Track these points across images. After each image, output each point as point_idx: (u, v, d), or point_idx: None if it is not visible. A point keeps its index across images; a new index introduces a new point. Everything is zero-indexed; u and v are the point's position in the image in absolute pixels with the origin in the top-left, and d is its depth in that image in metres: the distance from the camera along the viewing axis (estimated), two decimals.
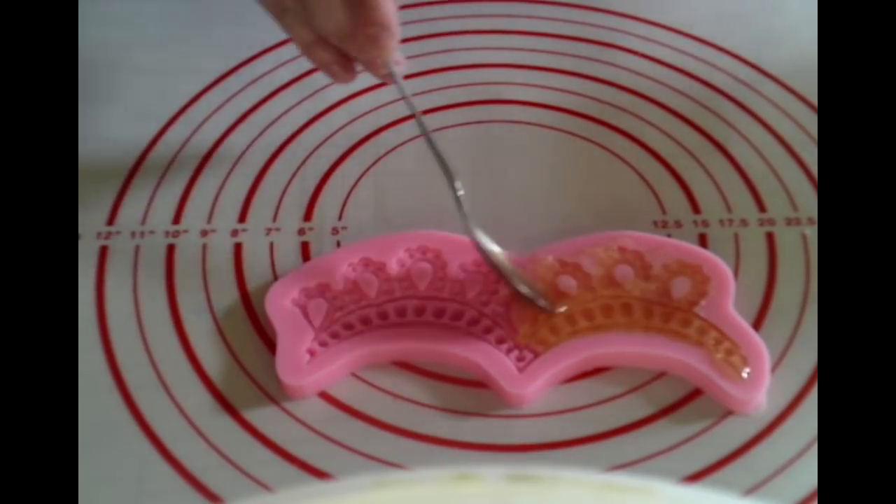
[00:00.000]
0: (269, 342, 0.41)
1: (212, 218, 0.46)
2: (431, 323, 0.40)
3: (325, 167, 0.48)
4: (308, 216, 0.46)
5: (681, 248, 0.42)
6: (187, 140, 0.49)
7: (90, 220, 0.46)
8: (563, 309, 0.40)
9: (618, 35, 0.54)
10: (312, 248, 0.45)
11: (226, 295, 0.43)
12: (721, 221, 0.45)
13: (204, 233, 0.45)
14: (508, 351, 0.39)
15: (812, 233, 0.44)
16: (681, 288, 0.40)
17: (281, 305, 0.41)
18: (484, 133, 0.50)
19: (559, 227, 0.44)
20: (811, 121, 0.49)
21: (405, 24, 0.56)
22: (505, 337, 0.40)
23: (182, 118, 0.51)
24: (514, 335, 0.39)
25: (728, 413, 0.38)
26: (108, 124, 0.50)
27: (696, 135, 0.49)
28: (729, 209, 0.45)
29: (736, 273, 0.42)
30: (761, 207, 0.45)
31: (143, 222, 0.46)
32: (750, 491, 0.36)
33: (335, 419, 0.38)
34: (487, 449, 0.37)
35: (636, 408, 0.38)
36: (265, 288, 0.42)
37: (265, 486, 0.36)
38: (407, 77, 0.52)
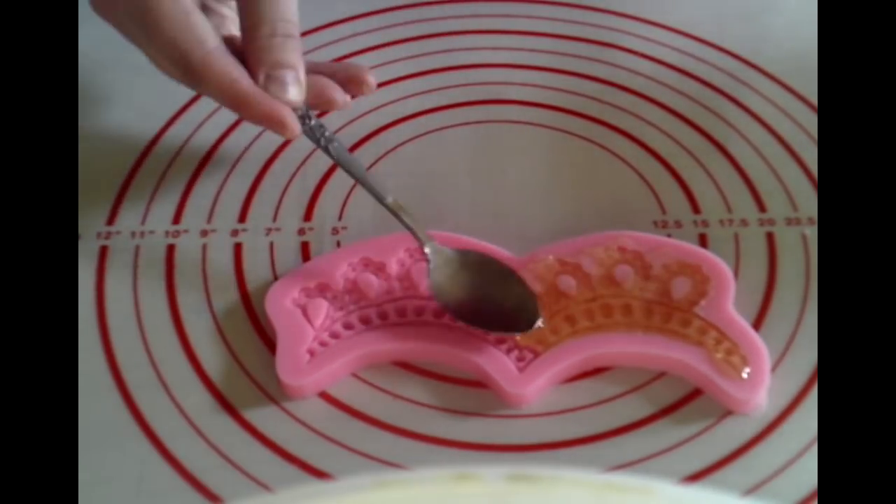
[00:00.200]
0: (269, 342, 0.41)
1: (212, 218, 0.46)
2: (431, 323, 0.40)
3: (325, 167, 0.48)
4: (308, 216, 0.46)
5: (681, 248, 0.42)
6: (187, 140, 0.49)
7: (90, 220, 0.46)
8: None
9: (618, 35, 0.54)
10: (312, 248, 0.45)
11: (226, 295, 0.43)
12: (721, 221, 0.45)
13: (204, 233, 0.45)
14: (508, 351, 0.39)
15: (812, 233, 0.44)
16: (681, 288, 0.40)
17: (281, 305, 0.41)
18: (484, 133, 0.50)
19: (559, 227, 0.44)
20: (811, 121, 0.49)
21: (405, 24, 0.56)
22: (505, 337, 0.40)
23: (182, 118, 0.51)
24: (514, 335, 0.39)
25: (728, 413, 0.38)
26: (108, 124, 0.50)
27: (696, 135, 0.49)
28: (729, 209, 0.45)
29: (736, 273, 0.42)
30: (761, 207, 0.45)
31: (143, 222, 0.46)
32: (750, 491, 0.36)
33: (335, 419, 0.38)
34: (487, 449, 0.37)
35: (636, 408, 0.38)
36: (265, 288, 0.42)
37: (265, 486, 0.36)
38: (407, 77, 0.53)
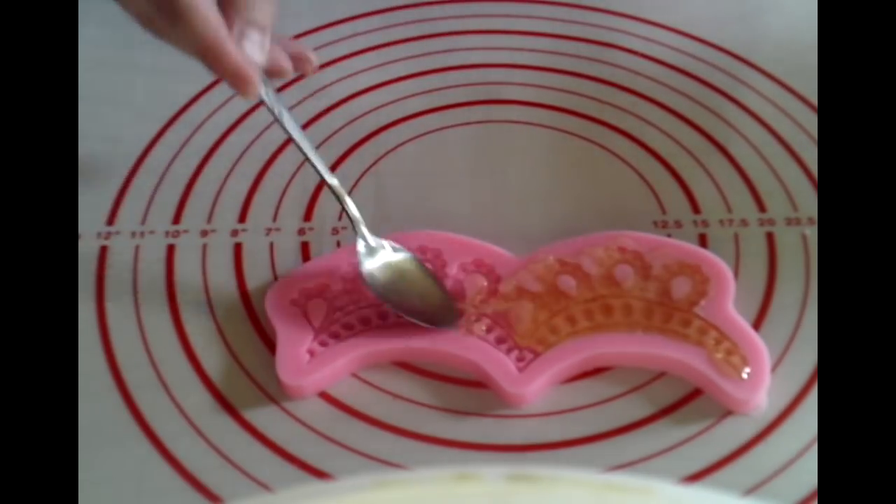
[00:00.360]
0: (269, 342, 0.41)
1: (212, 218, 0.46)
2: None
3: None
4: (308, 216, 0.46)
5: (681, 248, 0.42)
6: (187, 140, 0.49)
7: (90, 220, 0.46)
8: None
9: (618, 35, 0.54)
10: (312, 248, 0.45)
11: (226, 295, 0.43)
12: (721, 221, 0.45)
13: (204, 233, 0.45)
14: (508, 351, 0.39)
15: (812, 233, 0.44)
16: (681, 288, 0.40)
17: (281, 305, 0.41)
18: (484, 133, 0.50)
19: (559, 227, 0.44)
20: (811, 121, 0.49)
21: (405, 24, 0.56)
22: (505, 337, 0.40)
23: (182, 118, 0.51)
24: (514, 335, 0.39)
25: (728, 413, 0.38)
26: (108, 124, 0.50)
27: (696, 135, 0.49)
28: (729, 209, 0.45)
29: (736, 273, 0.42)
30: (761, 207, 0.46)
31: (143, 222, 0.46)
32: (750, 491, 0.36)
33: (335, 419, 0.39)
34: (487, 449, 0.37)
35: (636, 408, 0.38)
36: (265, 288, 0.42)
37: (265, 486, 0.36)
38: (407, 77, 0.53)
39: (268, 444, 0.38)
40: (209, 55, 0.39)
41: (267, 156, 0.49)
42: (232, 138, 0.50)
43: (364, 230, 0.41)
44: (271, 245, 0.45)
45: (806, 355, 0.40)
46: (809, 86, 0.51)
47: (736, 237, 0.44)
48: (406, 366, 0.40)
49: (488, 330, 0.40)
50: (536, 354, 0.39)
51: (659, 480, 0.22)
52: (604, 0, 0.56)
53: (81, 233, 0.45)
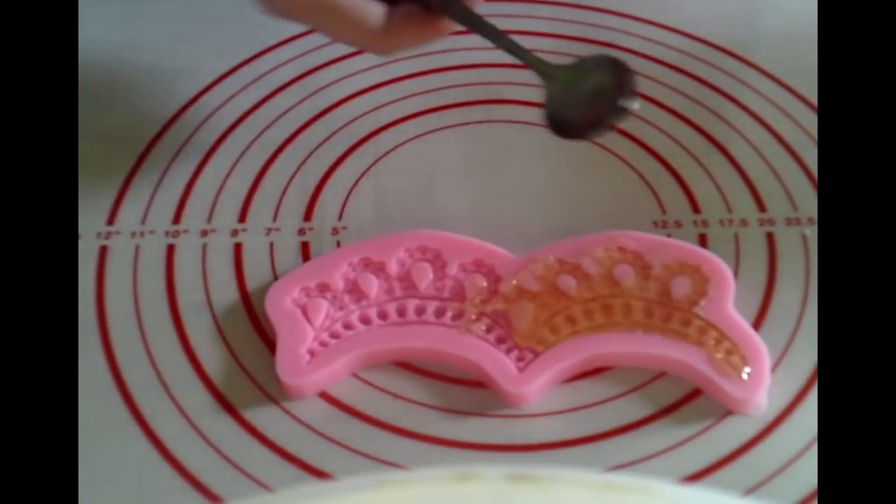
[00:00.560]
0: (269, 342, 0.41)
1: (212, 218, 0.46)
2: (431, 323, 0.40)
3: (325, 167, 0.48)
4: (308, 216, 0.46)
5: (681, 248, 0.42)
6: (187, 140, 0.49)
7: (90, 220, 0.46)
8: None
9: (618, 35, 0.54)
10: (312, 248, 0.44)
11: (226, 295, 0.43)
12: (721, 221, 0.45)
13: (204, 233, 0.45)
14: (508, 351, 0.39)
15: (812, 233, 0.44)
16: (681, 288, 0.40)
17: (281, 305, 0.41)
18: (484, 133, 0.50)
19: (559, 227, 0.44)
20: (811, 121, 0.49)
21: None
22: (505, 337, 0.40)
23: (182, 118, 0.51)
24: (514, 335, 0.39)
25: (728, 413, 0.38)
26: (108, 124, 0.50)
27: (696, 135, 0.49)
28: (729, 209, 0.45)
29: (736, 273, 0.42)
30: (761, 207, 0.46)
31: (143, 222, 0.46)
32: (750, 491, 0.36)
33: (335, 419, 0.38)
34: (487, 449, 0.37)
35: (636, 408, 0.38)
36: (265, 288, 0.42)
37: (265, 486, 0.36)
38: (407, 77, 0.53)
39: (268, 444, 0.38)
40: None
41: (267, 156, 0.49)
42: (232, 138, 0.50)
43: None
44: (271, 245, 0.45)
45: (806, 355, 0.40)
46: (809, 86, 0.51)
47: (736, 237, 0.44)
48: (406, 366, 0.40)
49: (488, 330, 0.40)
50: (536, 354, 0.39)
51: (659, 480, 0.22)
52: (604, 0, 0.56)
53: (81, 233, 0.45)
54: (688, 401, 0.39)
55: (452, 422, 0.38)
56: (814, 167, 0.47)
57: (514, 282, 0.41)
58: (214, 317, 0.42)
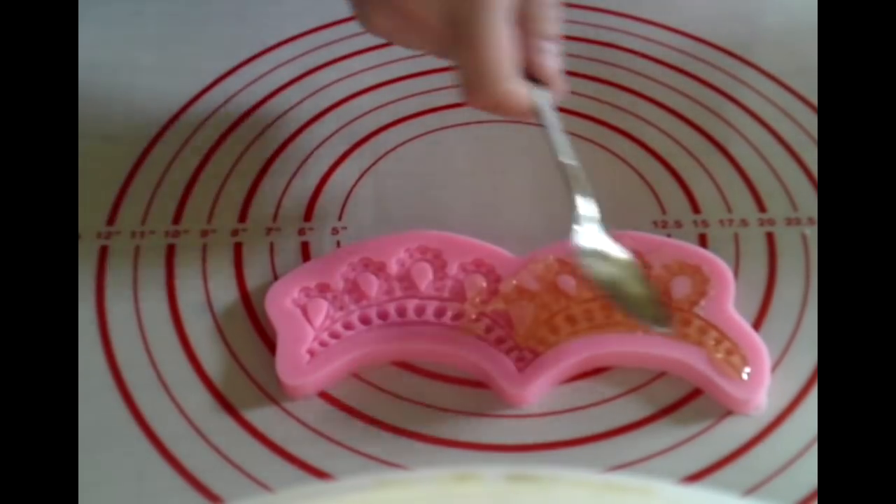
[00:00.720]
0: (269, 342, 0.41)
1: (212, 218, 0.46)
2: (431, 323, 0.40)
3: (325, 167, 0.48)
4: (308, 216, 0.46)
5: (681, 248, 0.42)
6: (187, 140, 0.49)
7: (90, 220, 0.46)
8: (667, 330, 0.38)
9: (618, 35, 0.54)
10: (312, 248, 0.44)
11: (226, 295, 0.43)
12: (721, 221, 0.45)
13: (204, 233, 0.45)
14: (508, 351, 0.39)
15: (812, 233, 0.44)
16: (681, 288, 0.40)
17: (281, 305, 0.41)
18: (484, 133, 0.50)
19: (559, 227, 0.44)
20: (811, 121, 0.49)
21: None
22: (505, 337, 0.40)
23: (182, 118, 0.51)
24: (514, 335, 0.39)
25: (728, 413, 0.38)
26: (108, 124, 0.50)
27: (696, 135, 0.49)
28: (729, 209, 0.45)
29: (736, 273, 0.42)
30: (761, 207, 0.46)
31: (143, 222, 0.46)
32: (750, 491, 0.36)
33: (335, 419, 0.39)
34: (487, 449, 0.37)
35: (636, 408, 0.38)
36: (265, 288, 0.42)
37: (265, 486, 0.36)
38: (407, 77, 0.53)
39: (268, 444, 0.38)
40: (481, 87, 0.38)
41: (267, 156, 0.49)
42: (232, 138, 0.50)
43: (591, 223, 0.40)
44: (271, 245, 0.45)
45: (806, 355, 0.40)
46: (809, 86, 0.51)
47: (736, 237, 0.44)
48: (406, 366, 0.40)
49: (488, 330, 0.40)
50: (536, 354, 0.39)
51: (659, 480, 0.22)
52: (604, 0, 0.56)
53: (81, 233, 0.45)
54: (688, 401, 0.39)
55: (452, 422, 0.38)
56: (814, 167, 0.47)
57: (514, 282, 0.41)
58: (214, 317, 0.42)
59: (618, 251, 0.40)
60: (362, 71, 0.53)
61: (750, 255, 0.43)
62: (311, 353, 0.39)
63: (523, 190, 0.47)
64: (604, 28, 0.55)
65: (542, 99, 0.40)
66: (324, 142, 0.49)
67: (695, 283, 0.41)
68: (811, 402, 0.38)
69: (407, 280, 0.42)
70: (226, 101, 0.51)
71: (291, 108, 0.51)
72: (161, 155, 0.49)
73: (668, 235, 0.44)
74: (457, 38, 0.38)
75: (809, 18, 0.55)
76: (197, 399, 0.39)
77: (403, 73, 0.52)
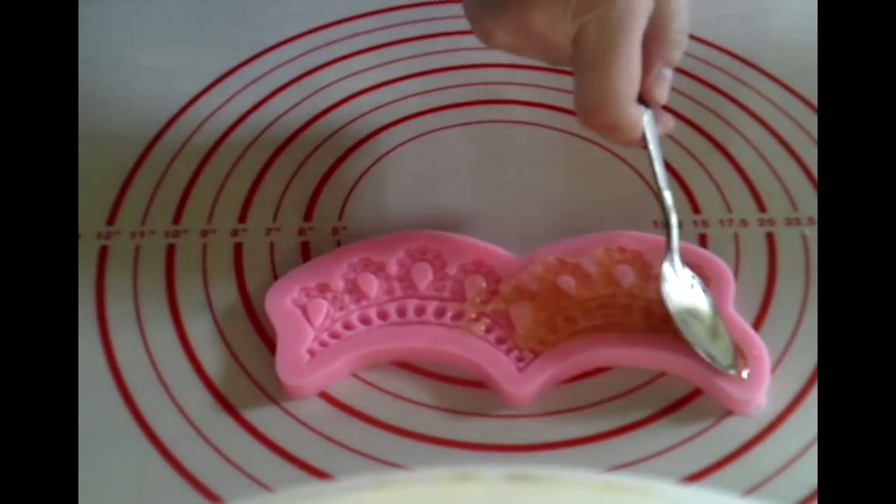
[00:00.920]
0: (269, 342, 0.41)
1: (212, 218, 0.46)
2: (431, 323, 0.40)
3: (325, 167, 0.48)
4: (308, 216, 0.46)
5: (681, 248, 0.42)
6: (187, 140, 0.49)
7: (90, 220, 0.46)
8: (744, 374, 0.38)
9: None
10: (312, 248, 0.44)
11: (226, 295, 0.43)
12: (721, 221, 0.45)
13: (204, 233, 0.45)
14: (508, 351, 0.39)
15: (812, 233, 0.44)
16: None
17: (281, 305, 0.41)
18: (484, 133, 0.50)
19: (559, 227, 0.44)
20: (811, 121, 0.49)
21: (405, 24, 0.56)
22: (505, 337, 0.40)
23: (182, 118, 0.51)
24: (514, 335, 0.39)
25: (728, 413, 0.38)
26: (108, 124, 0.50)
27: (696, 135, 0.49)
28: (729, 209, 0.45)
29: (736, 273, 0.42)
30: (761, 207, 0.46)
31: (143, 222, 0.46)
32: (750, 491, 0.36)
33: (335, 419, 0.38)
34: (487, 449, 0.37)
35: (636, 408, 0.38)
36: (265, 288, 0.42)
37: (265, 486, 0.36)
38: (407, 77, 0.53)
39: (268, 444, 0.38)
40: (602, 111, 0.37)
41: (267, 156, 0.49)
42: (232, 138, 0.50)
43: (676, 258, 0.40)
44: (271, 245, 0.45)
45: (806, 355, 0.40)
46: (810, 86, 0.51)
47: (736, 237, 0.44)
48: (406, 366, 0.40)
49: (488, 330, 0.40)
50: (536, 354, 0.39)
51: (659, 480, 0.22)
52: None
53: (81, 233, 0.45)
54: (688, 401, 0.39)
55: (452, 422, 0.38)
56: (814, 167, 0.47)
57: (514, 282, 0.41)
58: (214, 317, 0.42)
59: (701, 300, 0.39)
60: (362, 71, 0.53)
61: (750, 255, 0.43)
62: (311, 353, 0.39)
63: (523, 190, 0.47)
64: None
65: (650, 124, 0.39)
66: (324, 142, 0.49)
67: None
68: (811, 402, 0.38)
69: (407, 280, 0.42)
70: (226, 101, 0.51)
71: (291, 108, 0.51)
72: (161, 155, 0.49)
73: None
74: (585, 59, 0.37)
75: (809, 19, 0.55)
76: (197, 399, 0.39)
77: (403, 73, 0.53)
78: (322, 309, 0.41)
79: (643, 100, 0.39)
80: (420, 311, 0.41)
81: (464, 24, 0.56)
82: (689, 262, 0.41)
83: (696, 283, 0.40)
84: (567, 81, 0.52)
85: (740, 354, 0.38)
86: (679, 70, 0.52)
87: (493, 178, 0.48)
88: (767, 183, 0.47)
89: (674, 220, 0.40)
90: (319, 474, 0.37)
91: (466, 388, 0.39)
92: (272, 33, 0.55)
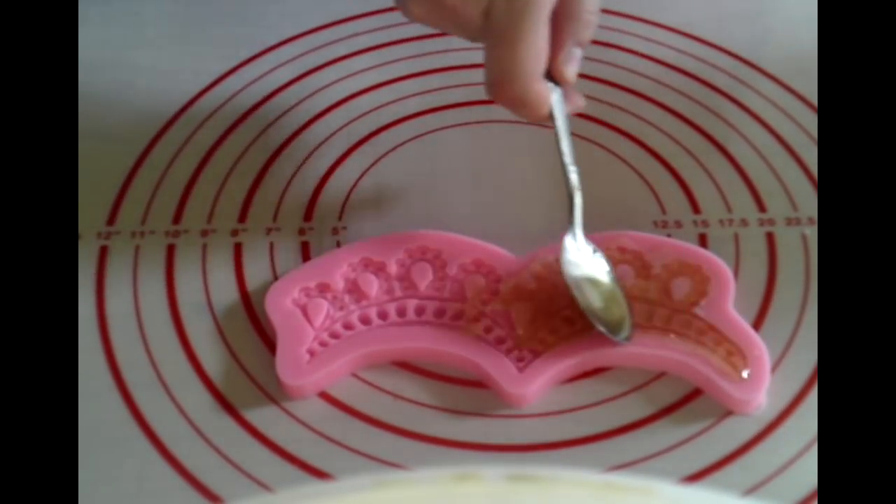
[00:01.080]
0: (269, 342, 0.41)
1: (212, 218, 0.46)
2: (431, 323, 0.40)
3: (325, 167, 0.48)
4: (308, 216, 0.46)
5: (681, 248, 0.42)
6: (187, 140, 0.49)
7: (90, 220, 0.46)
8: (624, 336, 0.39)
9: (618, 35, 0.54)
10: (312, 248, 0.44)
11: (226, 295, 0.43)
12: (721, 221, 0.45)
13: (204, 233, 0.45)
14: (508, 351, 0.39)
15: (812, 233, 0.44)
16: (681, 288, 0.40)
17: (281, 305, 0.41)
18: (484, 133, 0.50)
19: (559, 227, 0.44)
20: (811, 121, 0.49)
21: (405, 24, 0.56)
22: (505, 337, 0.40)
23: (182, 118, 0.51)
24: (514, 335, 0.39)
25: (728, 413, 0.38)
26: (108, 124, 0.50)
27: (696, 135, 0.49)
28: (729, 209, 0.45)
29: (736, 273, 0.42)
30: (761, 207, 0.46)
31: (143, 222, 0.46)
32: (750, 491, 0.36)
33: (335, 419, 0.39)
34: (487, 449, 0.37)
35: (636, 408, 0.38)
36: (265, 288, 0.42)
37: (265, 486, 0.36)
38: (407, 77, 0.53)
39: (268, 444, 0.38)
40: (508, 84, 0.38)
41: (267, 156, 0.49)
42: (232, 138, 0.50)
43: (578, 230, 0.40)
44: (271, 245, 0.45)
45: (806, 355, 0.40)
46: (810, 86, 0.51)
47: (736, 237, 0.44)
48: (406, 366, 0.40)
49: (488, 330, 0.40)
50: (536, 354, 0.39)
51: (659, 480, 0.22)
52: (604, 0, 0.56)
53: (81, 233, 0.45)
54: (688, 401, 0.39)
55: (452, 422, 0.38)
56: (814, 167, 0.47)
57: (514, 282, 0.41)
58: (214, 317, 0.42)
59: (601, 270, 0.40)
60: (362, 71, 0.53)
61: (750, 255, 0.43)
62: (311, 353, 0.39)
63: (523, 190, 0.47)
64: (604, 28, 0.55)
65: (558, 103, 0.40)
66: (324, 142, 0.49)
67: (695, 283, 0.41)
68: (811, 402, 0.38)
69: (407, 280, 0.42)
70: (226, 101, 0.51)
71: (291, 108, 0.51)
72: (161, 155, 0.49)
73: (668, 235, 0.44)
74: (494, 33, 0.38)
75: (809, 18, 0.55)
76: (197, 399, 0.39)
77: (403, 73, 0.52)
78: (322, 309, 0.41)
79: (553, 78, 0.39)
80: (420, 311, 0.41)
81: None
82: (689, 261, 0.41)
83: (600, 256, 0.40)
84: None
85: (740, 354, 0.38)
86: (679, 70, 0.52)
87: (493, 178, 0.48)
88: (767, 183, 0.47)
89: (577, 198, 0.40)
90: (319, 474, 0.37)
91: (466, 388, 0.39)
92: (272, 33, 0.55)
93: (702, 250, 0.42)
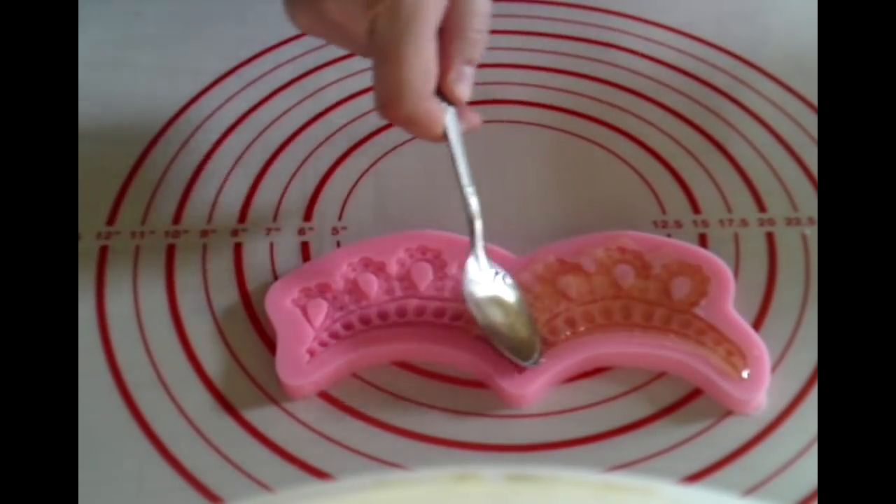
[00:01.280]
0: (269, 342, 0.41)
1: (212, 218, 0.46)
2: (431, 323, 0.40)
3: (325, 167, 0.48)
4: (308, 216, 0.46)
5: (681, 248, 0.42)
6: (187, 140, 0.49)
7: (90, 220, 0.46)
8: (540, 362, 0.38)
9: (618, 35, 0.54)
10: (312, 248, 0.44)
11: (226, 295, 0.43)
12: (721, 221, 0.45)
13: (204, 233, 0.45)
14: None
15: (812, 233, 0.44)
16: (681, 288, 0.40)
17: (281, 305, 0.41)
18: (484, 133, 0.50)
19: (559, 227, 0.44)
20: (811, 121, 0.49)
21: None
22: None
23: (182, 118, 0.51)
24: None
25: (728, 413, 0.38)
26: (108, 124, 0.50)
27: (696, 135, 0.49)
28: (729, 209, 0.45)
29: (736, 273, 0.42)
30: (761, 207, 0.46)
31: (143, 222, 0.46)
32: (750, 491, 0.36)
33: (335, 419, 0.38)
34: (487, 449, 0.37)
35: (636, 408, 0.38)
36: (265, 288, 0.42)
37: (265, 486, 0.36)
38: None
39: (268, 444, 0.38)
40: (401, 99, 0.37)
41: (267, 156, 0.49)
42: (232, 138, 0.50)
43: (480, 252, 0.40)
44: (271, 245, 0.45)
45: (806, 355, 0.40)
46: (810, 86, 0.51)
47: (736, 237, 0.44)
48: (406, 366, 0.40)
49: None
50: None
51: (659, 480, 0.22)
52: (604, 0, 0.56)
53: (81, 233, 0.45)
54: (688, 401, 0.39)
55: (452, 422, 0.38)
56: (814, 167, 0.47)
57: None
58: (214, 317, 0.42)
59: (507, 292, 0.40)
60: (362, 71, 0.52)
61: (750, 255, 0.43)
62: (311, 353, 0.39)
63: (523, 190, 0.47)
64: (604, 28, 0.55)
65: (452, 122, 0.39)
66: (324, 142, 0.49)
67: (695, 283, 0.41)
68: (811, 402, 0.38)
69: (407, 280, 0.42)
70: (226, 101, 0.51)
71: (291, 108, 0.51)
72: (161, 155, 0.49)
73: (668, 235, 0.44)
74: (379, 51, 0.37)
75: (809, 18, 0.55)
76: (197, 399, 0.39)
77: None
78: (322, 309, 0.41)
79: (445, 97, 0.39)
80: (420, 311, 0.41)
81: None
82: (689, 261, 0.41)
83: (503, 278, 0.40)
84: (566, 82, 0.52)
85: (740, 354, 0.38)
86: (679, 70, 0.52)
87: (493, 178, 0.48)
88: (767, 183, 0.47)
89: (477, 226, 0.40)
90: (319, 474, 0.37)
91: (466, 388, 0.39)
92: (272, 33, 0.55)
93: (702, 250, 0.42)
